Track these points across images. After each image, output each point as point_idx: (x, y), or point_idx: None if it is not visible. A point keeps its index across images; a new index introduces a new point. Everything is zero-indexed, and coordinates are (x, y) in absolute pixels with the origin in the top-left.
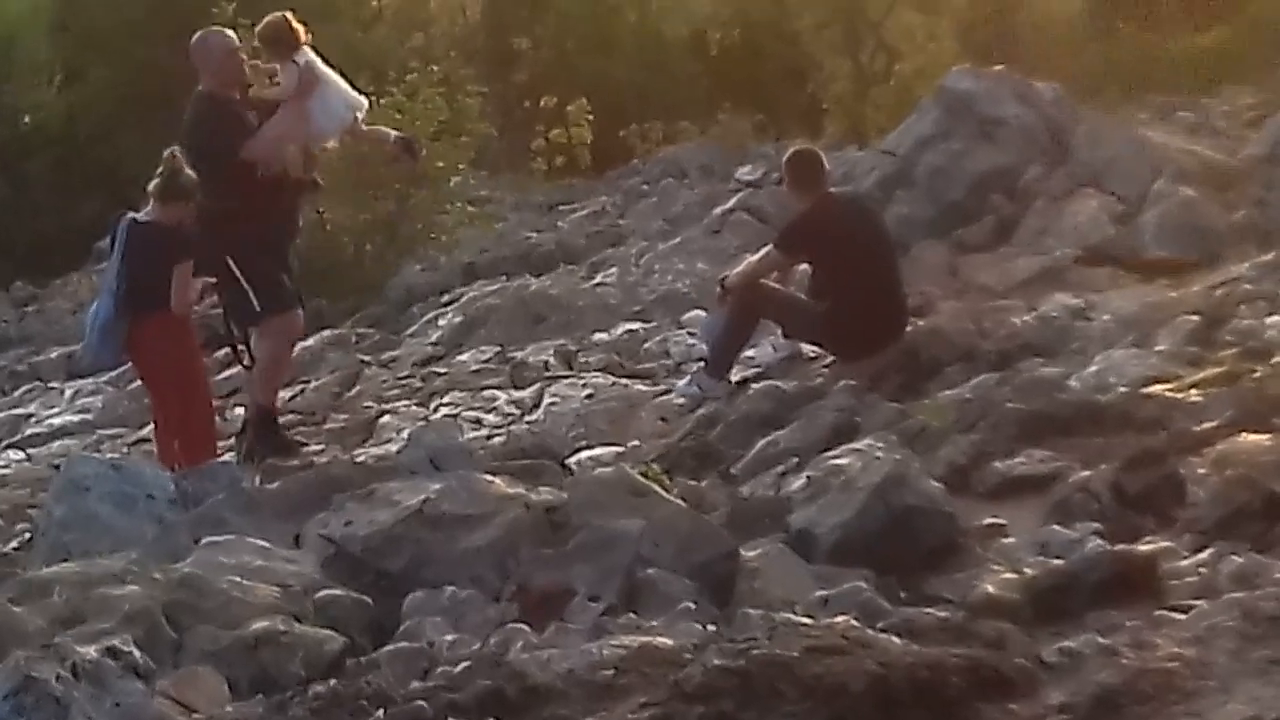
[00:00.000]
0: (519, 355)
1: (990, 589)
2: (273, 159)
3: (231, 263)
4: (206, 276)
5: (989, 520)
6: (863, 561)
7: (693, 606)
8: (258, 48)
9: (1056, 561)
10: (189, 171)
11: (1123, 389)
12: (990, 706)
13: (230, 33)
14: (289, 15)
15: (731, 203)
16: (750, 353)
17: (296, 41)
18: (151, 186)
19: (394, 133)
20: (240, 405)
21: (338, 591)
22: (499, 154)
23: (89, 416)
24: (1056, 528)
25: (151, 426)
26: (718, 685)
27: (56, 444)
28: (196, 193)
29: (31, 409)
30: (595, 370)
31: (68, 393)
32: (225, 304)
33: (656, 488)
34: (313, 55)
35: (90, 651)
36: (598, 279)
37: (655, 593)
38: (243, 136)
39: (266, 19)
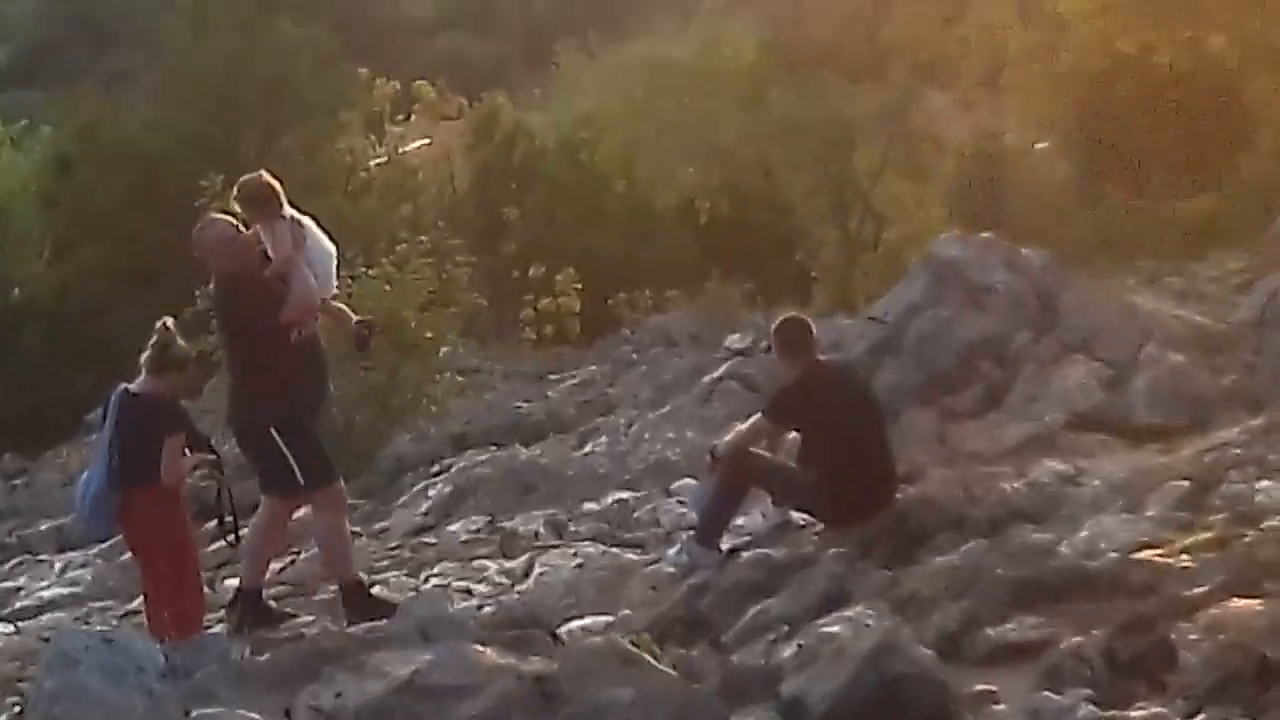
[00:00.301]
0: (509, 525)
1: None
2: (310, 317)
3: (275, 434)
4: (251, 448)
5: (980, 688)
6: None
7: None
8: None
9: None
10: (180, 343)
11: (1113, 555)
12: None
13: (226, 218)
14: (264, 174)
15: (720, 371)
16: (740, 521)
17: (279, 199)
18: (143, 358)
19: (354, 317)
20: (230, 577)
21: None
22: (488, 324)
23: (79, 589)
24: (1048, 694)
25: (142, 599)
26: None
27: (46, 616)
28: (190, 364)
29: (21, 581)
30: (585, 539)
31: (57, 565)
32: (261, 475)
33: (647, 657)
34: (290, 209)
35: None
36: (587, 448)
37: None
38: (276, 305)
39: (243, 180)
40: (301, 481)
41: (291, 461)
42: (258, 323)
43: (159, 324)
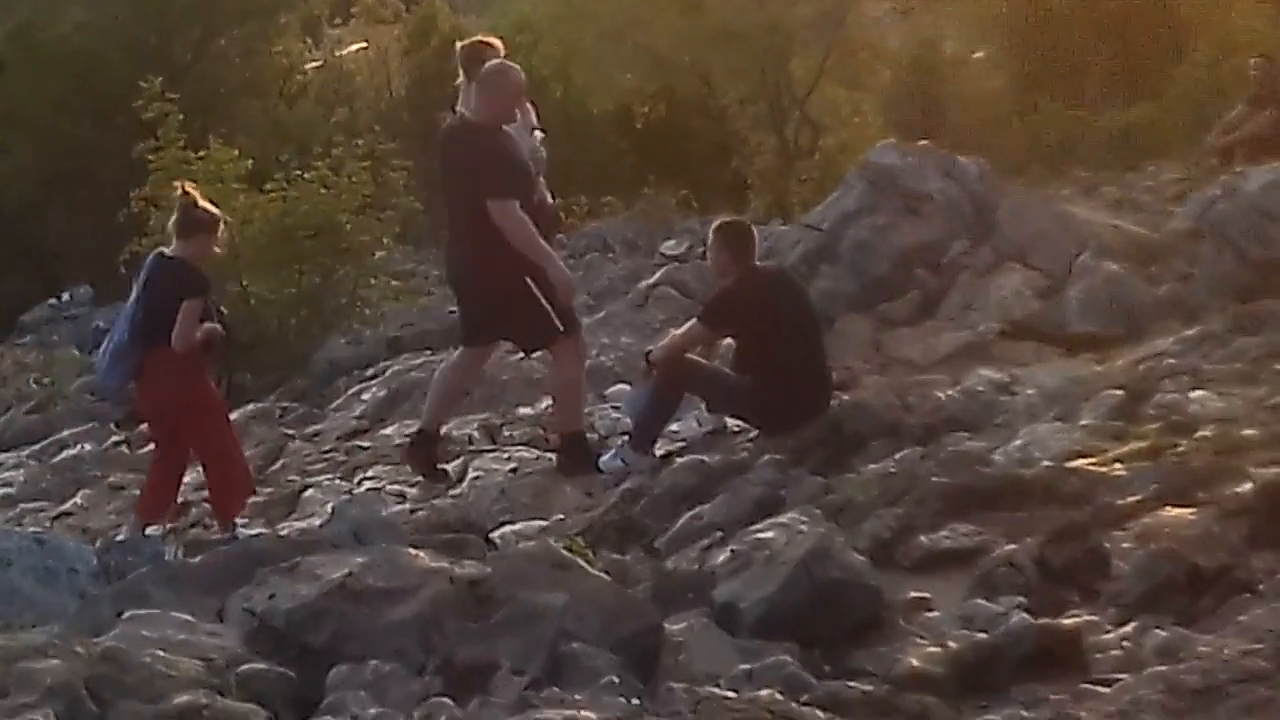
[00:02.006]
0: (443, 429)
1: (914, 662)
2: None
3: (532, 283)
4: (507, 304)
5: (913, 594)
6: (787, 635)
7: (616, 681)
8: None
9: (981, 635)
10: (203, 204)
11: (1047, 463)
12: None
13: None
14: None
15: (656, 277)
16: (675, 427)
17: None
18: (170, 224)
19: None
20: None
21: (261, 665)
22: (424, 228)
23: (11, 490)
24: (981, 601)
25: (142, 486)
26: None
27: None
28: (217, 224)
29: None
30: (520, 444)
31: None
32: (515, 327)
33: (580, 561)
34: None
35: None
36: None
37: (579, 667)
38: (524, 169)
39: (471, 42)
40: (559, 327)
41: (548, 309)
42: (514, 180)
43: (179, 190)
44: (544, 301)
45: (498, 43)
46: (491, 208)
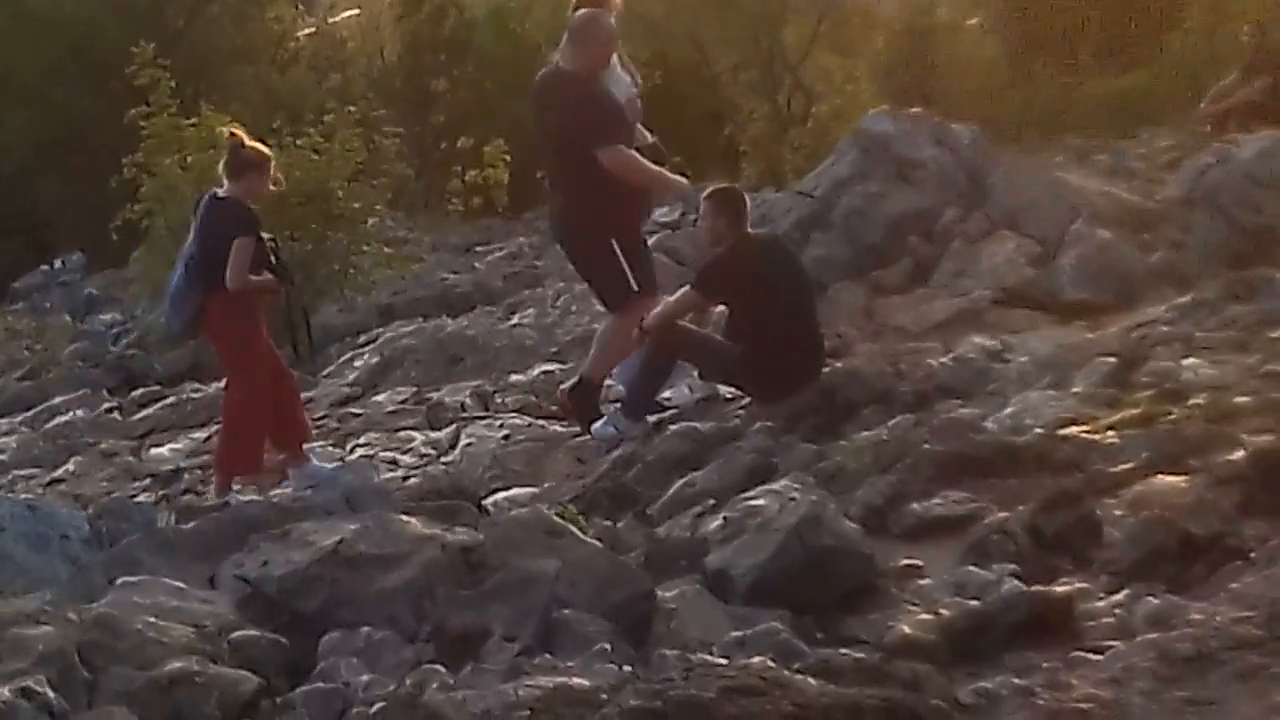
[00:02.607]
0: (435, 396)
1: (907, 630)
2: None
3: (616, 245)
4: (590, 261)
5: (905, 561)
6: (779, 602)
7: (609, 647)
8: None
9: (973, 602)
10: (251, 144)
11: (1039, 430)
12: None
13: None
14: None
15: (649, 244)
16: (667, 394)
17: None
18: (221, 167)
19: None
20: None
21: (253, 632)
22: (416, 195)
23: (3, 457)
24: (973, 569)
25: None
26: None
27: None
28: (266, 163)
29: None
30: (512, 411)
31: None
32: (597, 284)
33: (573, 528)
34: None
35: (4, 692)
36: (515, 320)
37: (571, 633)
38: (624, 121)
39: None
40: (636, 289)
41: (627, 271)
42: (610, 121)
43: (225, 133)
44: (624, 264)
45: None
46: (601, 156)
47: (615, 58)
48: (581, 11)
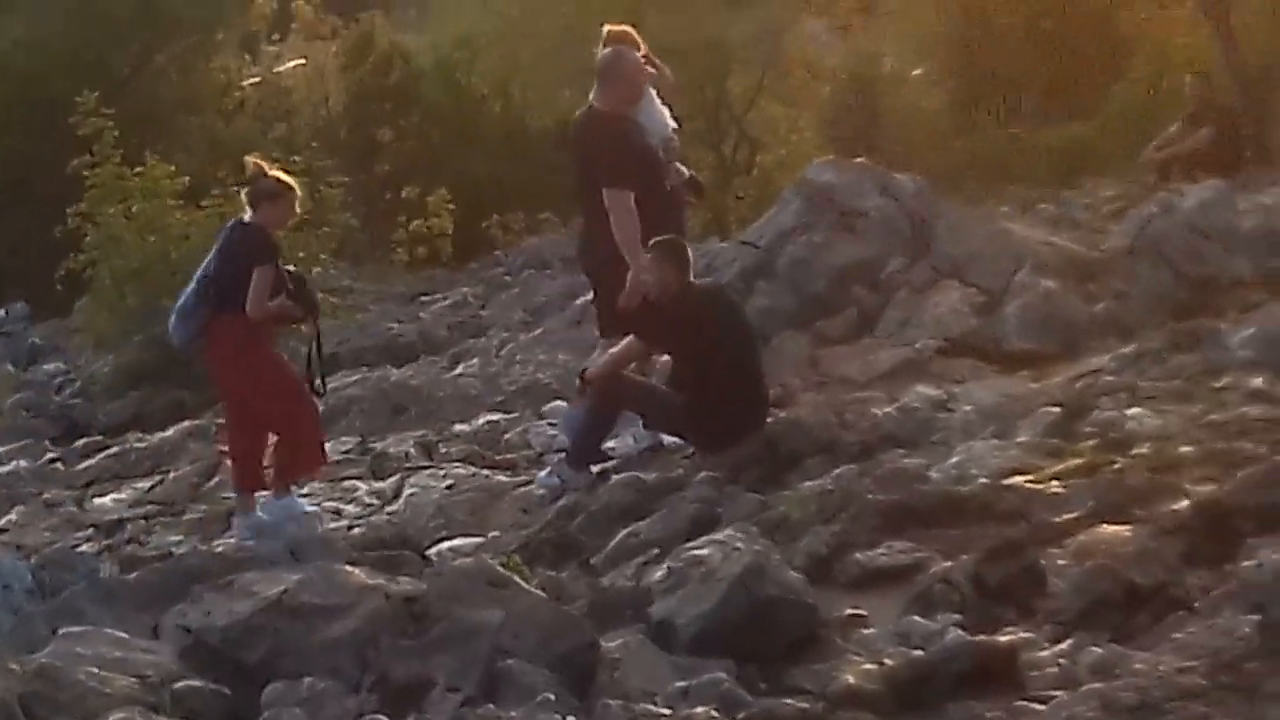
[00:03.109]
0: (379, 446)
1: (851, 679)
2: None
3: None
4: (604, 286)
5: (850, 611)
6: (723, 652)
7: (552, 698)
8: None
9: (917, 652)
10: (270, 173)
11: (984, 480)
12: None
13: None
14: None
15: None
16: (611, 444)
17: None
18: (243, 196)
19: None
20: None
21: (196, 682)
22: (361, 245)
23: None
24: (917, 618)
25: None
26: None
27: None
28: (288, 192)
29: None
30: (456, 461)
31: None
32: (601, 306)
33: (517, 578)
34: None
35: None
36: (459, 370)
37: (515, 683)
38: (650, 154)
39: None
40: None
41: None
42: (631, 166)
43: (248, 162)
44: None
45: (628, 29)
46: (606, 195)
47: (652, 93)
48: (606, 50)
